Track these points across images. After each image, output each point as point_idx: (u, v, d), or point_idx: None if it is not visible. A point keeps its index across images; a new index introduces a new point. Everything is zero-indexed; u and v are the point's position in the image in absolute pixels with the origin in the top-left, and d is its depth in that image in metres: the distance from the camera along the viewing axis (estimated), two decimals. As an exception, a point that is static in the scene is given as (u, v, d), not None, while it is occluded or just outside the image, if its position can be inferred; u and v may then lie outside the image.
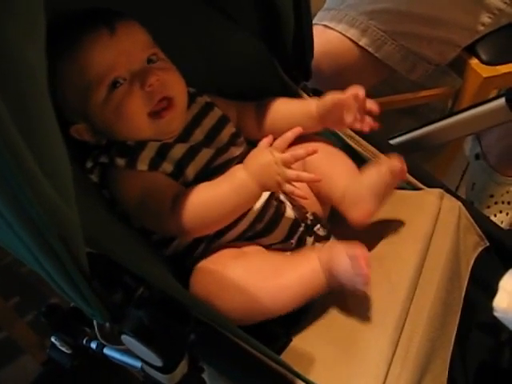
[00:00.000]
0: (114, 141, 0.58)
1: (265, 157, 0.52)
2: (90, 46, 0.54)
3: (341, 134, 0.68)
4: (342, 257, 0.51)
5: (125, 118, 0.56)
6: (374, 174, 0.59)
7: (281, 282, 0.53)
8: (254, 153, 0.54)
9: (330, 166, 0.63)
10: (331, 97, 0.63)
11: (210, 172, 0.59)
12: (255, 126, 0.67)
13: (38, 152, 0.31)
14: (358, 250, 0.51)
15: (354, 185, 0.60)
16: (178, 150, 0.58)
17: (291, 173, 0.52)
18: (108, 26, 0.54)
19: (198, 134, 0.61)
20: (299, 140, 0.58)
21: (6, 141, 0.28)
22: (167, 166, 0.57)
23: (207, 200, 0.53)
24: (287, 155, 0.52)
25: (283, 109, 0.66)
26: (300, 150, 0.53)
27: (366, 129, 0.62)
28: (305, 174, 0.54)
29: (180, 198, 0.53)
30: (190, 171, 0.58)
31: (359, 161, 0.67)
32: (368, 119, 0.62)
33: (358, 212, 0.59)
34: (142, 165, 0.56)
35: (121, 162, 0.56)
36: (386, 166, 0.59)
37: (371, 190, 0.59)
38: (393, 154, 0.61)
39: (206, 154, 0.60)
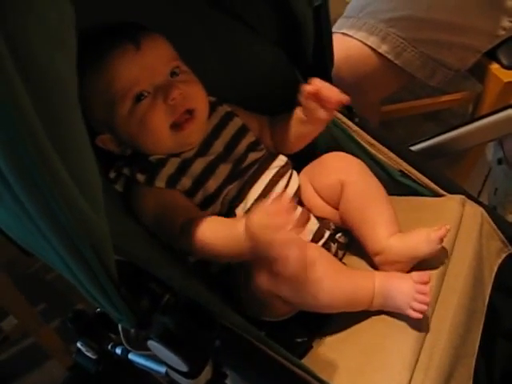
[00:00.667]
0: (138, 152, 0.60)
1: (262, 221, 0.47)
2: (116, 61, 0.55)
3: (361, 142, 0.68)
4: (405, 281, 0.53)
5: (148, 130, 0.57)
6: (422, 242, 0.56)
7: (340, 281, 0.55)
8: (260, 212, 0.48)
9: (374, 212, 0.61)
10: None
11: (232, 179, 0.61)
12: (270, 139, 0.69)
13: (70, 163, 0.32)
14: (425, 276, 0.52)
15: (397, 247, 0.57)
16: (198, 166, 0.60)
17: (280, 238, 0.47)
18: (133, 42, 0.56)
19: (218, 146, 0.62)
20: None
21: (40, 152, 0.29)
22: (186, 182, 0.59)
23: (208, 241, 0.52)
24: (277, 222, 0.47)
25: (289, 124, 0.66)
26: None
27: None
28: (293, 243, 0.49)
29: (188, 227, 0.53)
30: (212, 184, 0.59)
31: (379, 167, 0.67)
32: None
33: (391, 269, 0.58)
34: (160, 182, 0.58)
35: (141, 177, 0.58)
36: (436, 234, 0.56)
37: (414, 257, 0.57)
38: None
39: (226, 167, 0.61)
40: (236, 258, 0.53)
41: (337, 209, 0.64)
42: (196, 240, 0.52)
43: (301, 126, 0.64)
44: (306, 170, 0.68)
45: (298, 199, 0.65)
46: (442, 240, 0.56)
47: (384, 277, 0.55)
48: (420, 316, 0.51)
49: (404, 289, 0.52)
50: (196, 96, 0.60)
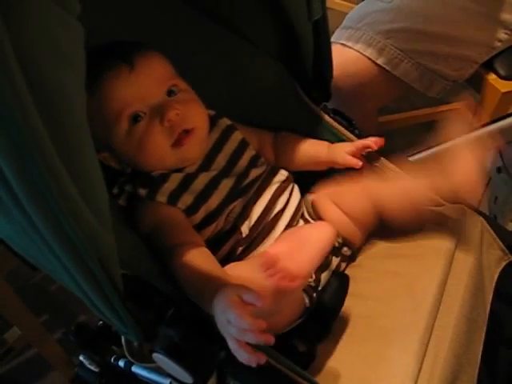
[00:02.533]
0: (138, 170, 0.60)
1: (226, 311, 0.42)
2: (110, 83, 0.55)
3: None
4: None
5: (147, 151, 0.58)
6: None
7: None
8: (224, 295, 0.43)
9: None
10: (342, 157, 0.64)
11: (235, 196, 0.61)
12: (273, 155, 0.70)
13: (78, 178, 0.33)
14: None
15: (462, 170, 0.57)
16: (201, 181, 0.60)
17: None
18: (127, 62, 0.56)
19: (220, 161, 0.63)
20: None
21: (49, 168, 0.30)
22: (187, 198, 0.59)
23: (186, 274, 0.50)
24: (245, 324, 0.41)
25: (297, 146, 0.69)
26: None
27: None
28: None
29: (174, 252, 0.52)
30: (214, 200, 0.60)
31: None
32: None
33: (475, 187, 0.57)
34: (162, 197, 0.58)
35: (143, 192, 0.58)
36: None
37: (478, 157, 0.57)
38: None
39: (228, 183, 0.61)
40: (200, 303, 0.48)
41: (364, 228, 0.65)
42: (177, 268, 0.50)
43: (319, 162, 0.67)
44: (324, 188, 0.67)
45: (301, 213, 0.66)
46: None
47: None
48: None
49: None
50: (194, 115, 0.60)
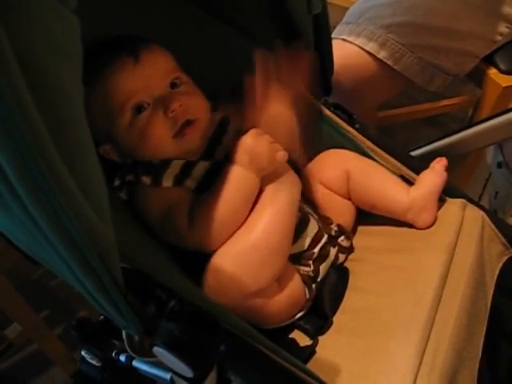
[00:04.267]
0: (139, 161, 0.60)
1: (248, 143, 0.56)
2: (115, 74, 0.56)
3: (364, 147, 0.69)
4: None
5: (150, 142, 0.58)
6: (433, 177, 0.65)
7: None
8: (239, 144, 0.57)
9: (384, 180, 0.68)
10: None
11: None
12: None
13: (77, 173, 0.33)
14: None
15: (419, 194, 0.64)
16: (201, 167, 0.60)
17: (274, 146, 0.57)
18: (132, 55, 0.57)
19: (220, 153, 0.63)
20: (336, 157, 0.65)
21: (49, 163, 0.30)
22: (191, 183, 0.59)
23: (219, 210, 0.54)
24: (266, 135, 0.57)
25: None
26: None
27: None
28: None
29: (195, 216, 0.55)
30: None
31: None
32: None
33: (428, 218, 0.64)
34: (167, 181, 0.58)
35: (147, 180, 0.58)
36: (439, 165, 0.66)
37: (436, 194, 0.65)
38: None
39: None
40: (250, 199, 0.56)
41: (348, 199, 0.69)
42: (209, 221, 0.54)
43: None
44: (309, 170, 0.71)
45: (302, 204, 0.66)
46: (446, 167, 0.66)
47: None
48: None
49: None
50: (197, 107, 0.60)
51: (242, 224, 0.55)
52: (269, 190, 0.57)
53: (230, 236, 0.55)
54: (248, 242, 0.54)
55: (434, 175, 0.65)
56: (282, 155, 0.57)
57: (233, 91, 0.65)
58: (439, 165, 0.66)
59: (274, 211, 0.55)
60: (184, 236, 0.55)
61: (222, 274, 0.53)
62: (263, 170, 0.56)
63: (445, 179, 0.65)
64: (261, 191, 0.57)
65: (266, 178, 0.57)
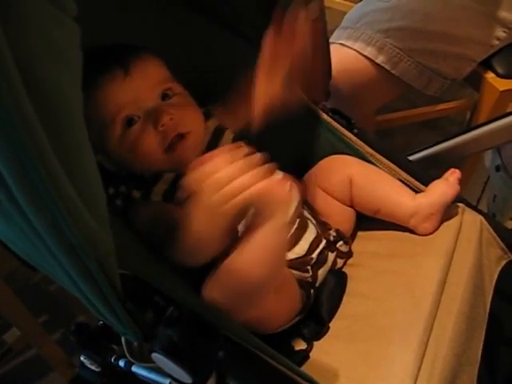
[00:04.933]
0: (132, 172, 0.60)
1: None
2: (105, 87, 0.56)
3: (363, 152, 0.69)
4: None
5: (140, 156, 0.58)
6: (445, 188, 0.63)
7: None
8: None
9: (387, 185, 0.67)
10: None
11: None
12: None
13: (76, 179, 0.33)
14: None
15: (427, 201, 0.63)
16: None
17: (228, 189, 0.45)
18: (122, 66, 0.56)
19: None
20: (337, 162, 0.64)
21: (48, 169, 0.30)
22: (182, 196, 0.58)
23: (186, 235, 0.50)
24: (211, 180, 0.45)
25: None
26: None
27: None
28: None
29: (174, 233, 0.51)
30: None
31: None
32: None
33: (429, 227, 0.63)
34: (157, 197, 0.58)
35: (137, 194, 0.58)
36: (453, 177, 0.64)
37: (445, 205, 0.63)
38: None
39: None
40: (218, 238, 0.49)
41: (349, 205, 0.68)
42: (185, 234, 0.49)
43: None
44: (309, 176, 0.71)
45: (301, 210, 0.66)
46: (459, 180, 0.63)
47: None
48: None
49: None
50: (189, 119, 0.59)
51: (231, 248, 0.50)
52: (255, 215, 0.50)
53: (221, 256, 0.50)
54: (234, 280, 0.49)
55: (446, 186, 0.64)
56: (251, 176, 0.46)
57: (227, 93, 0.66)
58: (453, 177, 0.64)
59: (259, 243, 0.49)
60: (165, 251, 0.53)
61: (216, 302, 0.50)
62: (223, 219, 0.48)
63: (457, 192, 0.63)
64: None
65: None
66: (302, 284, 0.60)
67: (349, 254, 0.67)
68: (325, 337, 0.58)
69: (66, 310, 1.18)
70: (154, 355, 0.46)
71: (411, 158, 0.93)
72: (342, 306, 0.61)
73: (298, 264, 0.61)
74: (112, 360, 0.62)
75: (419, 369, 0.50)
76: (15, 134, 0.28)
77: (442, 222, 0.64)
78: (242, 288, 0.50)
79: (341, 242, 0.65)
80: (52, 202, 0.31)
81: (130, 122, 0.57)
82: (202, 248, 0.51)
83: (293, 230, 0.61)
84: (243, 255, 0.49)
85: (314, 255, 0.62)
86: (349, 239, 0.67)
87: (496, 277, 0.64)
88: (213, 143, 0.64)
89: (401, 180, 0.68)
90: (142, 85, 0.57)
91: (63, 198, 0.31)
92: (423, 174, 0.67)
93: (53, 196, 0.31)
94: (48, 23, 0.32)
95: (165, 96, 0.59)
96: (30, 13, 0.30)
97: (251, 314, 0.53)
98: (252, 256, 0.48)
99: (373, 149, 0.69)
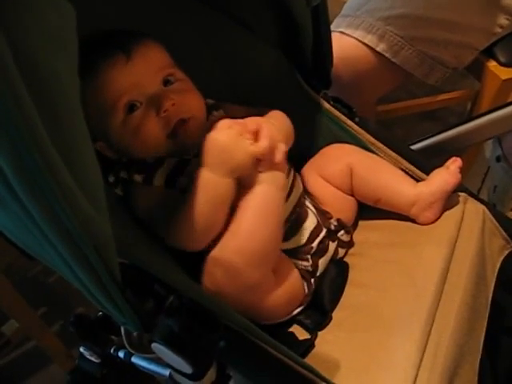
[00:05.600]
0: (134, 158, 0.60)
1: (220, 141, 0.51)
2: (107, 72, 0.55)
3: (364, 141, 0.69)
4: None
5: (143, 141, 0.57)
6: (446, 176, 0.63)
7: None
8: (210, 142, 0.52)
9: (388, 174, 0.66)
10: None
11: None
12: None
13: (73, 166, 0.32)
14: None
15: (428, 189, 0.63)
16: (196, 165, 0.59)
17: (260, 144, 0.52)
18: (124, 51, 0.56)
19: None
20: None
21: (45, 157, 0.29)
22: (184, 181, 0.58)
23: (192, 216, 0.52)
24: (242, 123, 0.52)
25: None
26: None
27: None
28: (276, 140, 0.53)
29: (175, 218, 0.53)
30: None
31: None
32: None
33: (431, 215, 0.63)
34: (158, 181, 0.58)
35: (138, 178, 0.58)
36: (454, 166, 0.63)
37: (446, 193, 0.63)
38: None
39: None
40: (224, 202, 0.52)
41: (350, 194, 0.68)
42: (184, 220, 0.52)
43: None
44: (310, 164, 0.70)
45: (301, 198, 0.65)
46: (461, 169, 0.63)
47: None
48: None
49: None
50: (191, 105, 0.59)
51: (228, 224, 0.53)
52: (251, 185, 0.54)
53: (219, 235, 0.53)
54: (234, 249, 0.52)
55: (448, 174, 0.63)
56: (263, 146, 0.51)
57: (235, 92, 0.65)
58: (454, 165, 0.63)
59: (256, 210, 0.53)
60: (166, 236, 0.55)
61: (216, 277, 0.53)
62: (238, 169, 0.52)
63: (458, 180, 0.63)
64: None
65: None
66: (303, 273, 0.60)
67: (350, 244, 0.67)
68: (326, 327, 0.58)
69: (64, 302, 1.19)
70: (154, 345, 0.46)
71: (412, 148, 0.92)
72: (343, 296, 0.61)
73: (298, 253, 0.61)
74: (112, 351, 0.61)
75: (421, 359, 0.50)
76: (10, 121, 0.27)
77: (444, 211, 0.64)
78: (244, 257, 0.52)
79: (342, 232, 0.65)
80: (49, 189, 0.30)
81: (131, 107, 0.56)
82: (205, 229, 0.53)
83: (292, 220, 0.60)
84: (246, 217, 0.53)
85: (314, 244, 0.62)
86: (350, 228, 0.67)
87: (498, 267, 0.64)
88: None
89: (402, 169, 0.67)
90: (144, 70, 0.57)
91: (60, 185, 0.31)
92: (425, 163, 0.67)
93: (50, 183, 0.30)
94: (44, 7, 0.31)
95: (167, 82, 0.59)
96: None
97: (252, 298, 0.53)
98: (254, 218, 0.53)
99: (374, 137, 0.68)
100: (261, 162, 0.53)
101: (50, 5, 0.32)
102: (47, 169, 0.29)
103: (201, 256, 0.54)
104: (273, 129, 0.53)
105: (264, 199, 0.54)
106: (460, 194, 0.65)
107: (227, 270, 0.52)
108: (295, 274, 0.59)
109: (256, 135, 0.52)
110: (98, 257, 0.35)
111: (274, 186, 0.54)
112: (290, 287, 0.58)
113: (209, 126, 0.62)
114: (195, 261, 0.57)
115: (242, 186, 0.54)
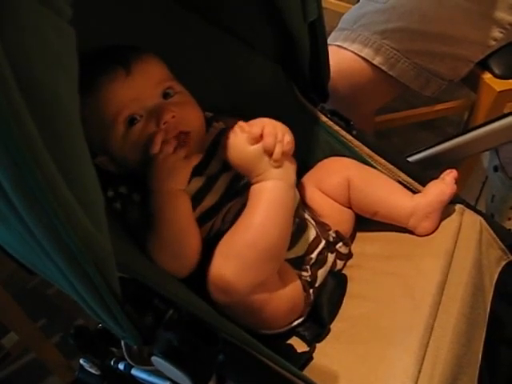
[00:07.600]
0: (136, 172, 0.59)
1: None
2: (107, 87, 0.55)
3: (362, 154, 0.69)
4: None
5: (143, 154, 0.57)
6: (442, 187, 0.64)
7: None
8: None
9: (385, 186, 0.67)
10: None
11: (230, 197, 0.61)
12: None
13: (73, 183, 0.32)
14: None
15: (425, 200, 0.64)
16: (194, 185, 0.59)
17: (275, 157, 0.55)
18: (124, 66, 0.56)
19: (215, 165, 0.62)
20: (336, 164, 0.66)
21: (45, 174, 0.30)
22: None
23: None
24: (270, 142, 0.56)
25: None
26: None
27: None
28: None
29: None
30: (208, 202, 0.60)
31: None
32: None
33: (429, 226, 0.64)
34: None
35: (137, 197, 0.58)
36: (449, 177, 0.64)
37: (442, 203, 0.64)
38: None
39: (223, 183, 0.61)
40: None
41: (348, 206, 0.69)
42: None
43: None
44: (308, 177, 0.71)
45: (300, 210, 0.66)
46: (456, 179, 0.64)
47: None
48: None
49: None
50: (190, 118, 0.59)
51: (239, 221, 0.55)
52: (262, 180, 0.56)
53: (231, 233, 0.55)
54: (247, 242, 0.53)
55: (444, 185, 0.64)
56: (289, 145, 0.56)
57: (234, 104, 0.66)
58: (449, 176, 0.64)
59: (269, 205, 0.55)
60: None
61: (226, 272, 0.53)
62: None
63: (454, 191, 0.63)
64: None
65: None
66: (303, 283, 0.60)
67: (348, 256, 0.67)
68: (325, 339, 0.58)
69: (64, 314, 1.18)
70: (154, 358, 0.46)
71: (409, 159, 0.92)
72: (341, 308, 0.61)
73: (297, 263, 0.62)
74: (112, 363, 0.61)
75: (419, 371, 0.50)
76: (10, 137, 0.27)
77: (441, 222, 0.64)
78: (255, 252, 0.53)
79: (340, 244, 0.65)
80: (49, 206, 0.30)
81: (132, 121, 0.57)
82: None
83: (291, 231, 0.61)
84: (259, 211, 0.54)
85: (314, 255, 0.62)
86: (348, 240, 0.67)
87: (496, 277, 0.64)
88: (216, 143, 0.63)
89: (399, 181, 0.68)
90: (144, 84, 0.57)
91: (60, 201, 0.31)
92: (422, 175, 0.67)
93: (50, 200, 0.30)
94: (45, 27, 0.31)
95: (166, 95, 0.59)
96: (25, 16, 0.30)
97: (257, 298, 0.54)
98: (267, 212, 0.54)
99: (371, 150, 0.69)
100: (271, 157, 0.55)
101: (52, 27, 0.32)
102: (47, 185, 0.30)
103: (201, 267, 0.55)
104: (275, 123, 0.57)
105: (276, 194, 0.55)
106: (457, 205, 0.66)
107: (239, 263, 0.53)
108: (297, 282, 0.60)
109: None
110: (97, 272, 0.36)
111: (286, 182, 0.56)
112: (293, 294, 0.58)
113: (213, 138, 0.63)
114: (196, 273, 0.57)
115: (254, 181, 0.56)
